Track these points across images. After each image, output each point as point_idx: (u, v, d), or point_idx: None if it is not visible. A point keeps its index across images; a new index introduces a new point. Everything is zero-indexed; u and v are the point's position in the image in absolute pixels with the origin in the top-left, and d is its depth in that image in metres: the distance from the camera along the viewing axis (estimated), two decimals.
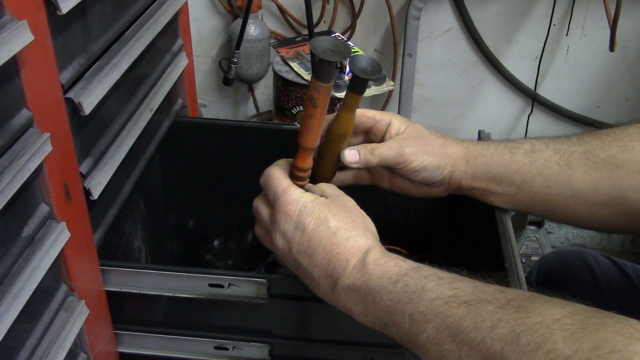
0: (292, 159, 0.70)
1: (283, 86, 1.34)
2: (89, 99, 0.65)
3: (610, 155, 0.71)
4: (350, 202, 0.66)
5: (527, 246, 1.73)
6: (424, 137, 0.75)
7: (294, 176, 0.69)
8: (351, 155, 0.72)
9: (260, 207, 0.68)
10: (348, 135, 0.71)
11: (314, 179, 0.72)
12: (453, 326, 0.50)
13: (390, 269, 0.58)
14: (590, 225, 0.76)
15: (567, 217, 0.75)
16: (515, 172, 0.74)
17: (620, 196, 0.71)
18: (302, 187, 0.70)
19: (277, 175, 0.67)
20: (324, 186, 0.68)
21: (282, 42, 1.51)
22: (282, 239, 0.64)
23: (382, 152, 0.73)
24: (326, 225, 0.62)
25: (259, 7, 1.53)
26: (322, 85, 0.63)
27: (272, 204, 0.66)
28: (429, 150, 0.74)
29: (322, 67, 0.62)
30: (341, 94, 1.26)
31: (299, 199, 0.64)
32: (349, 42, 0.62)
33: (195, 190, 1.07)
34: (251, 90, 1.74)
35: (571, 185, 0.72)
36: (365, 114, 0.75)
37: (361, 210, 0.66)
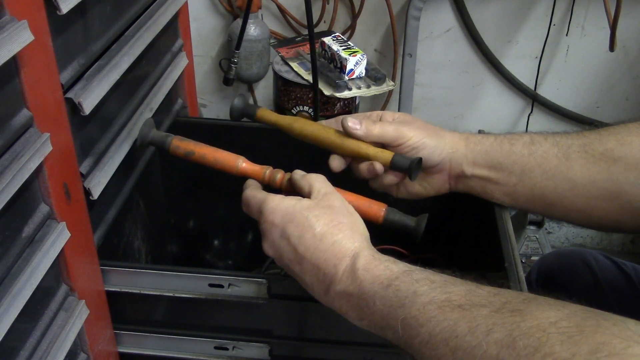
0: (252, 180, 0.75)
1: (283, 86, 1.34)
2: (89, 99, 0.65)
3: (608, 149, 0.72)
4: (336, 200, 0.65)
5: (527, 246, 1.73)
6: (421, 123, 0.77)
7: (269, 188, 0.73)
8: (353, 121, 0.73)
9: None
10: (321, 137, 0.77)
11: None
12: (447, 330, 0.50)
13: (381, 273, 0.57)
14: (589, 221, 0.76)
15: (566, 211, 0.75)
16: (514, 163, 0.74)
17: (618, 190, 0.71)
18: (282, 189, 0.72)
19: (252, 194, 0.68)
20: (312, 179, 0.68)
21: (282, 42, 1.50)
22: (271, 248, 0.64)
23: (383, 124, 0.74)
24: (311, 233, 0.61)
25: (259, 7, 1.53)
26: (170, 148, 0.76)
27: (258, 219, 0.66)
28: (427, 132, 0.75)
29: (154, 145, 0.78)
30: (341, 94, 1.26)
31: (278, 206, 0.64)
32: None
33: (195, 190, 1.07)
34: (251, 90, 1.74)
35: (569, 178, 0.73)
36: (355, 114, 0.78)
37: (349, 208, 0.65)
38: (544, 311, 0.46)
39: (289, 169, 0.75)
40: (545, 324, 0.45)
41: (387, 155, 0.73)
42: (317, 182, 0.67)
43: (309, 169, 0.72)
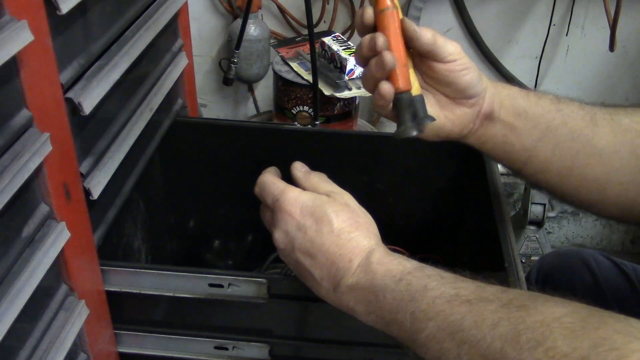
0: (274, 168, 0.70)
1: (283, 86, 1.34)
2: (89, 99, 0.65)
3: (635, 121, 0.69)
4: (351, 200, 0.66)
5: (527, 246, 1.73)
6: None
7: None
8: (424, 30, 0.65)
9: (265, 213, 0.69)
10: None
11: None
12: (454, 324, 0.50)
13: (394, 267, 0.58)
14: (604, 195, 0.71)
15: (583, 180, 0.71)
16: (541, 116, 0.70)
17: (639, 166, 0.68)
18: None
19: (272, 180, 0.67)
20: (315, 180, 0.68)
21: (282, 42, 1.51)
22: (284, 238, 0.63)
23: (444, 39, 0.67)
24: (329, 227, 0.61)
25: (259, 7, 1.53)
26: None
27: (272, 206, 0.66)
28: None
29: None
30: (341, 94, 1.26)
31: (298, 198, 0.64)
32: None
33: (195, 190, 1.07)
34: (251, 90, 1.74)
35: (593, 144, 0.69)
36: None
37: (363, 209, 0.66)
38: (549, 307, 0.47)
39: (289, 169, 0.74)
40: (550, 319, 0.45)
41: (417, 87, 0.67)
42: (322, 182, 0.67)
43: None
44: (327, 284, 0.61)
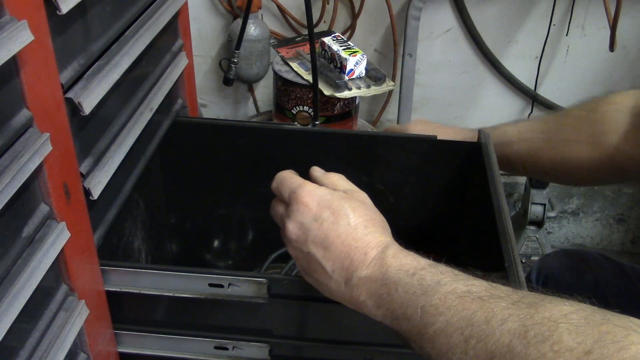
0: (292, 170, 0.71)
1: (283, 86, 1.34)
2: (89, 99, 0.65)
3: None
4: (366, 198, 0.67)
5: (527, 246, 1.73)
6: None
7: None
8: None
9: (277, 207, 0.69)
10: None
11: None
12: (464, 320, 0.51)
13: (408, 262, 0.59)
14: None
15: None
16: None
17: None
18: None
19: (290, 175, 0.68)
20: (334, 178, 0.69)
21: (282, 42, 1.51)
22: (298, 229, 0.64)
23: None
24: (346, 221, 0.62)
25: (259, 7, 1.53)
26: None
27: (288, 199, 0.66)
28: None
29: None
30: (341, 94, 1.26)
31: (315, 191, 0.65)
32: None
33: (195, 190, 1.07)
34: (251, 90, 1.74)
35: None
36: None
37: (376, 208, 0.67)
38: (556, 305, 0.49)
39: (290, 169, 0.75)
40: (557, 315, 0.47)
41: None
42: (341, 180, 0.69)
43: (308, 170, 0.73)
44: (339, 277, 0.61)
